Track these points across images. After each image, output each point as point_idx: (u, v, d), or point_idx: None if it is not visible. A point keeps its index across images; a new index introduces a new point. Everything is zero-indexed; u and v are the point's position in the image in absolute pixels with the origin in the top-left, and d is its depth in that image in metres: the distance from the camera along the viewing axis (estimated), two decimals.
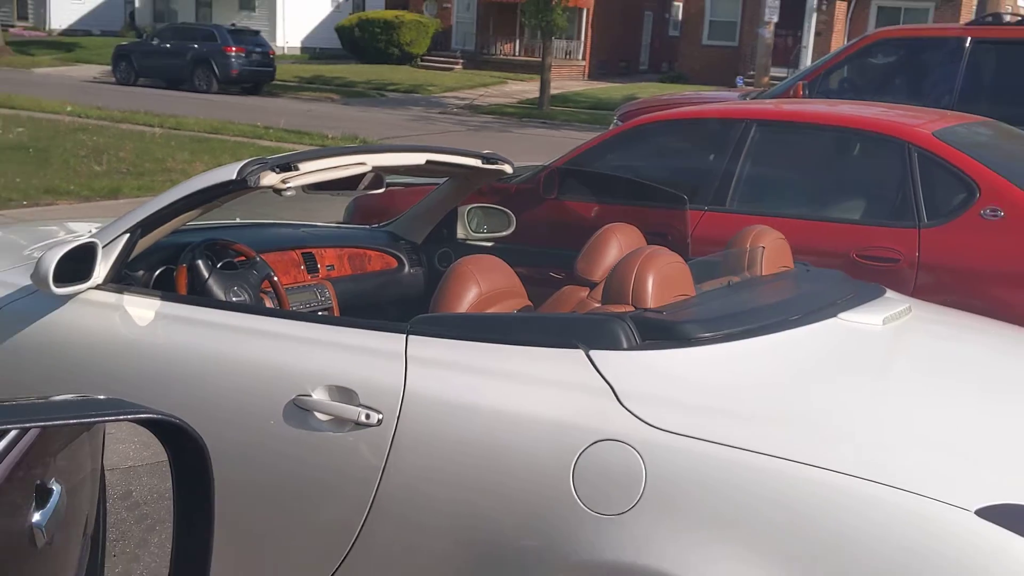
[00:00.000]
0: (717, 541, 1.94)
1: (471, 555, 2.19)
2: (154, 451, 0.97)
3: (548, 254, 3.95)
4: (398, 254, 4.02)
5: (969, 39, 8.02)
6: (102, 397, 0.78)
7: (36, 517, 0.86)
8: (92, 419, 0.80)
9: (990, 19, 9.41)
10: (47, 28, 41.20)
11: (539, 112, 23.35)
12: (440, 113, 23.24)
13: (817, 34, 26.90)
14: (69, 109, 17.48)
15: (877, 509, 1.85)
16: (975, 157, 4.48)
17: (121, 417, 0.79)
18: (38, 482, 0.90)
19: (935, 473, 1.90)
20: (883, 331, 2.47)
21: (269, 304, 3.26)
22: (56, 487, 0.88)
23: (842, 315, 2.48)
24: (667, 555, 1.96)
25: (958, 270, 4.27)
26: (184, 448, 0.81)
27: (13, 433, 0.81)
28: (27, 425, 0.75)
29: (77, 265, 2.74)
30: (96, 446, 1.01)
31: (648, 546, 1.98)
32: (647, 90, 24.81)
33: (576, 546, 2.05)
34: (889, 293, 2.78)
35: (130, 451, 0.94)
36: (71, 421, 0.78)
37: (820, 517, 1.88)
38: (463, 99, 26.21)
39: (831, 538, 1.87)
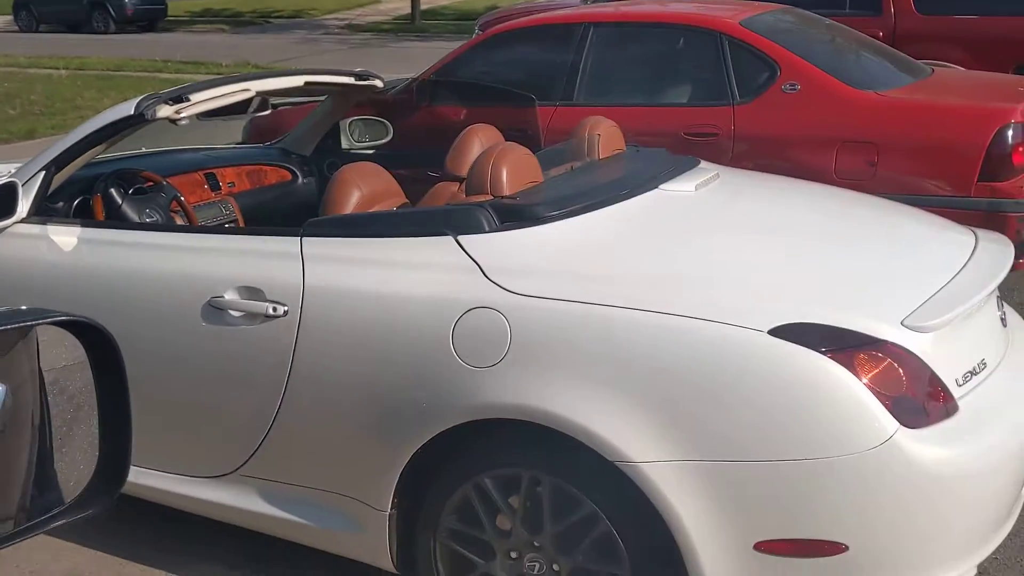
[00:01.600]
0: (572, 379, 2.07)
1: (374, 414, 2.28)
2: (82, 352, 1.03)
3: (423, 155, 3.97)
4: (291, 167, 4.00)
5: None
6: (25, 307, 0.84)
7: None
8: (19, 324, 0.85)
9: None
10: None
11: (412, 27, 22.72)
12: (323, 34, 22.44)
13: None
14: None
15: (690, 338, 2.01)
16: (775, 40, 4.62)
17: (43, 321, 0.84)
18: None
19: (735, 305, 2.05)
20: (695, 195, 2.60)
21: (180, 222, 3.24)
22: (1, 386, 0.93)
23: (662, 186, 2.60)
24: (531, 394, 2.09)
25: (767, 138, 4.44)
26: (99, 345, 0.87)
27: None
28: None
29: (2, 203, 2.68)
30: (31, 351, 1.04)
31: (516, 388, 2.11)
32: (507, 0, 24.35)
33: (460, 395, 2.17)
34: (703, 164, 2.90)
35: (62, 353, 0.99)
36: (3, 327, 0.83)
37: (646, 349, 2.03)
38: (342, 20, 25.32)
39: (658, 364, 2.01)
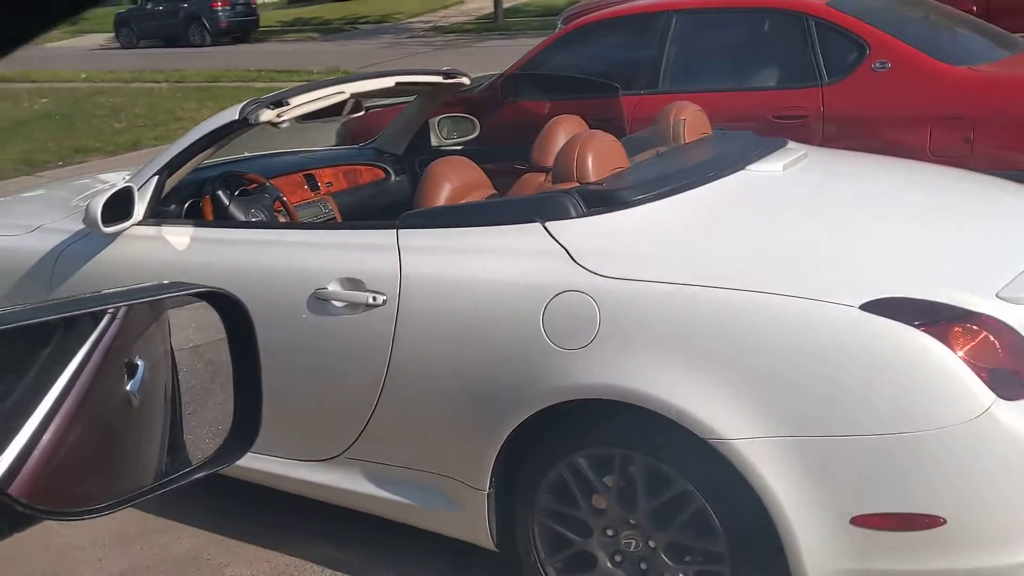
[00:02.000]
0: (662, 358, 2.11)
1: (469, 396, 2.36)
2: (207, 334, 1.13)
3: (511, 149, 4.05)
4: (384, 166, 4.12)
5: None
6: (167, 282, 0.94)
7: (129, 386, 1.02)
8: (164, 295, 0.96)
9: None
10: None
11: (495, 25, 22.89)
12: (409, 38, 22.79)
13: None
14: (84, 76, 17.18)
15: (779, 315, 2.03)
16: (863, 19, 4.55)
17: (183, 292, 0.95)
18: (126, 360, 1.05)
19: (825, 281, 2.06)
20: (783, 175, 2.61)
21: (283, 220, 3.39)
22: (140, 362, 1.04)
23: (750, 167, 2.62)
24: (622, 374, 2.14)
25: (857, 118, 4.38)
26: (234, 316, 0.97)
27: (106, 318, 0.96)
28: (119, 305, 0.90)
29: (119, 208, 2.87)
30: (164, 331, 1.14)
31: (608, 369, 2.16)
32: None
33: (552, 377, 2.23)
34: (791, 144, 2.90)
35: (191, 335, 1.09)
36: (148, 299, 0.93)
37: (739, 328, 2.05)
38: (427, 22, 25.66)
39: (747, 342, 2.04)
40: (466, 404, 2.38)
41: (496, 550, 2.52)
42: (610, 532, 2.33)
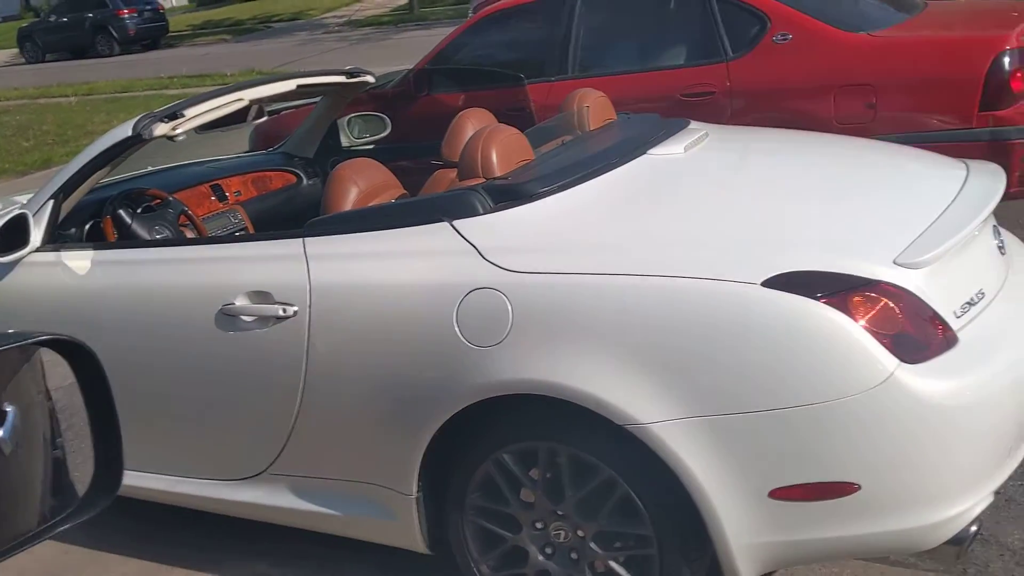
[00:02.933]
0: (574, 349, 2.11)
1: (389, 402, 2.34)
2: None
3: (423, 146, 4.02)
4: (295, 170, 4.06)
5: None
6: (11, 331, 0.90)
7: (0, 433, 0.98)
8: (8, 345, 0.92)
9: None
10: None
11: (411, 16, 22.74)
12: (324, 33, 22.52)
13: None
14: None
15: (683, 297, 2.04)
16: None
17: (27, 342, 0.91)
18: None
19: (725, 260, 2.08)
20: (684, 157, 2.63)
21: (191, 235, 3.32)
22: (10, 408, 1.00)
23: (651, 151, 2.63)
24: (537, 367, 2.14)
25: (763, 92, 4.44)
26: (83, 362, 0.94)
27: None
28: None
29: (14, 235, 2.77)
30: (37, 373, 1.10)
31: (522, 364, 2.16)
32: None
33: (470, 375, 2.22)
34: (692, 124, 2.92)
35: (68, 372, 1.06)
36: None
37: (641, 312, 2.06)
38: (341, 17, 25.38)
39: (654, 326, 2.05)
40: (387, 409, 2.36)
41: (430, 553, 2.51)
42: (539, 525, 2.34)
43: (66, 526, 0.92)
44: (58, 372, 1.16)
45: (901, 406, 1.97)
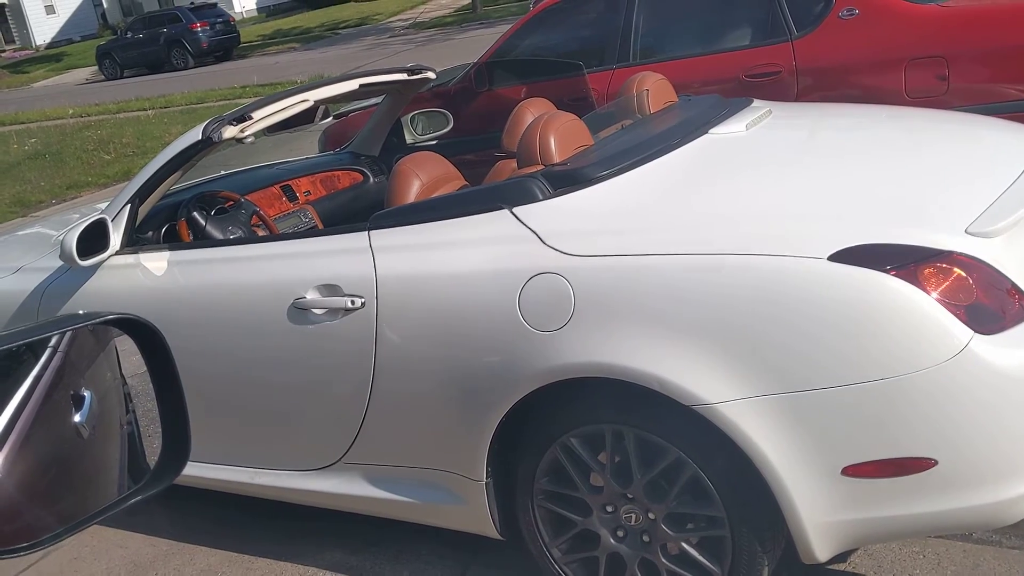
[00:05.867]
0: (638, 331, 2.10)
1: (456, 389, 2.36)
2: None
3: (485, 139, 4.05)
4: (361, 169, 4.12)
5: None
6: (82, 311, 0.95)
7: (77, 417, 1.02)
8: (78, 325, 0.96)
9: None
10: (34, 46, 40.08)
11: (474, 15, 22.88)
12: (390, 37, 22.79)
13: None
14: (71, 112, 17.23)
15: (749, 275, 2.01)
16: None
17: (95, 321, 0.95)
18: (72, 392, 1.06)
19: (790, 235, 2.05)
20: (746, 134, 2.59)
21: (263, 235, 3.39)
22: (87, 393, 1.05)
23: (712, 130, 2.61)
24: (601, 350, 2.14)
25: (830, 68, 4.36)
26: (148, 340, 0.98)
27: (45, 355, 0.97)
28: (31, 339, 0.91)
29: (94, 240, 2.88)
30: (112, 360, 1.15)
31: (587, 346, 2.15)
32: None
33: (534, 361, 2.22)
34: (755, 103, 2.88)
35: (141, 361, 1.11)
36: (56, 332, 0.94)
37: (705, 292, 2.04)
38: (407, 19, 25.66)
39: (720, 305, 2.03)
40: (454, 397, 2.39)
41: (502, 538, 2.53)
42: (609, 508, 2.34)
43: (137, 498, 0.95)
44: (133, 361, 1.21)
45: (977, 378, 1.91)
